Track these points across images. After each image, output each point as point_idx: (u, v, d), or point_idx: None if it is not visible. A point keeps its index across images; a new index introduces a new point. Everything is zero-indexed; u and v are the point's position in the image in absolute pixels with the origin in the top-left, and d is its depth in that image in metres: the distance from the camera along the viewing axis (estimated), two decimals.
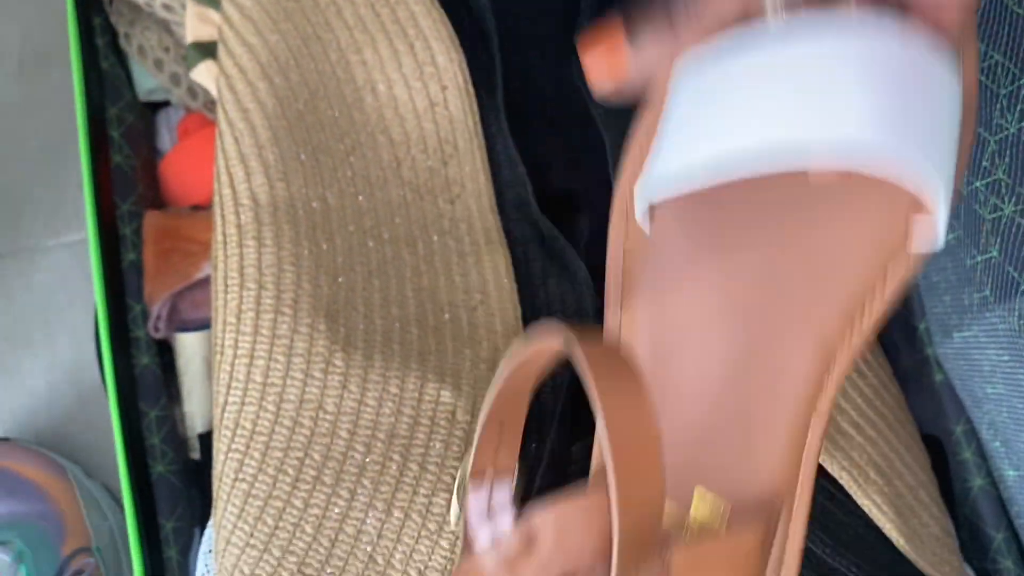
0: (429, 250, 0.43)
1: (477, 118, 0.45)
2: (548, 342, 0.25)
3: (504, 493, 0.30)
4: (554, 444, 0.39)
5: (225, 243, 0.40)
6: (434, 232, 0.44)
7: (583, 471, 0.36)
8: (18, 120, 0.62)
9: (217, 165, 0.42)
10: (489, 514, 0.30)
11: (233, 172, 0.41)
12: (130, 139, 0.51)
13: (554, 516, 0.24)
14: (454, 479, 0.37)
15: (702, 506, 0.30)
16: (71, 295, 0.60)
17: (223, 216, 0.41)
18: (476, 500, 0.30)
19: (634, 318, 0.32)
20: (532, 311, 0.43)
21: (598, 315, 0.44)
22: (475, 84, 0.45)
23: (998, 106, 0.36)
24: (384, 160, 0.44)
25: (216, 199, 0.41)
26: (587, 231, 0.48)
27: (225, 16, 0.44)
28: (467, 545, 0.30)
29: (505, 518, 0.30)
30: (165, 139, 0.54)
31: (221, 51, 0.43)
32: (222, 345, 0.39)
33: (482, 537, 0.30)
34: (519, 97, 0.49)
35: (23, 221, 0.61)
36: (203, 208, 0.52)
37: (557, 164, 0.47)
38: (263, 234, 0.40)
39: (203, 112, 0.52)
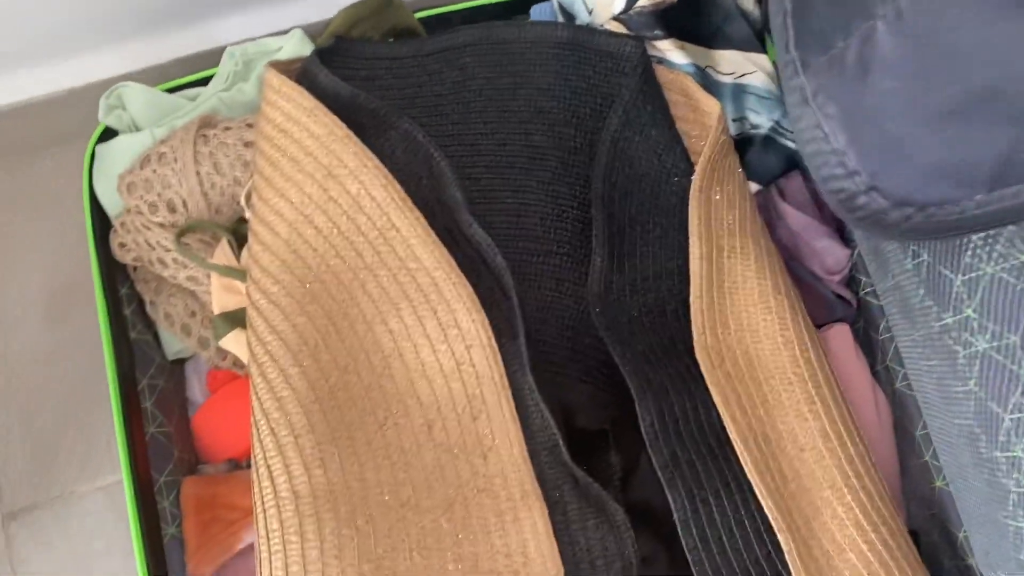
0: (466, 512, 0.44)
1: (503, 370, 0.45)
2: None
3: None
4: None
5: (268, 538, 0.41)
6: (470, 492, 0.44)
7: None
8: (46, 368, 0.63)
9: (254, 455, 0.43)
10: None
11: (272, 464, 0.42)
12: (162, 406, 0.51)
13: None
14: None
15: None
16: (108, 542, 0.60)
17: (264, 510, 0.41)
18: None
19: None
20: (573, 562, 0.43)
21: (643, 562, 0.44)
22: (497, 334, 0.46)
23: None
24: (416, 425, 0.45)
25: (256, 490, 0.42)
26: (619, 467, 0.48)
27: (252, 303, 0.45)
28: None
29: None
30: (196, 390, 0.55)
31: (251, 337, 0.45)
32: None
33: None
34: (540, 334, 0.51)
35: (56, 468, 0.61)
36: (239, 463, 0.53)
37: (585, 405, 0.48)
38: (305, 528, 0.40)
39: (232, 369, 0.53)
